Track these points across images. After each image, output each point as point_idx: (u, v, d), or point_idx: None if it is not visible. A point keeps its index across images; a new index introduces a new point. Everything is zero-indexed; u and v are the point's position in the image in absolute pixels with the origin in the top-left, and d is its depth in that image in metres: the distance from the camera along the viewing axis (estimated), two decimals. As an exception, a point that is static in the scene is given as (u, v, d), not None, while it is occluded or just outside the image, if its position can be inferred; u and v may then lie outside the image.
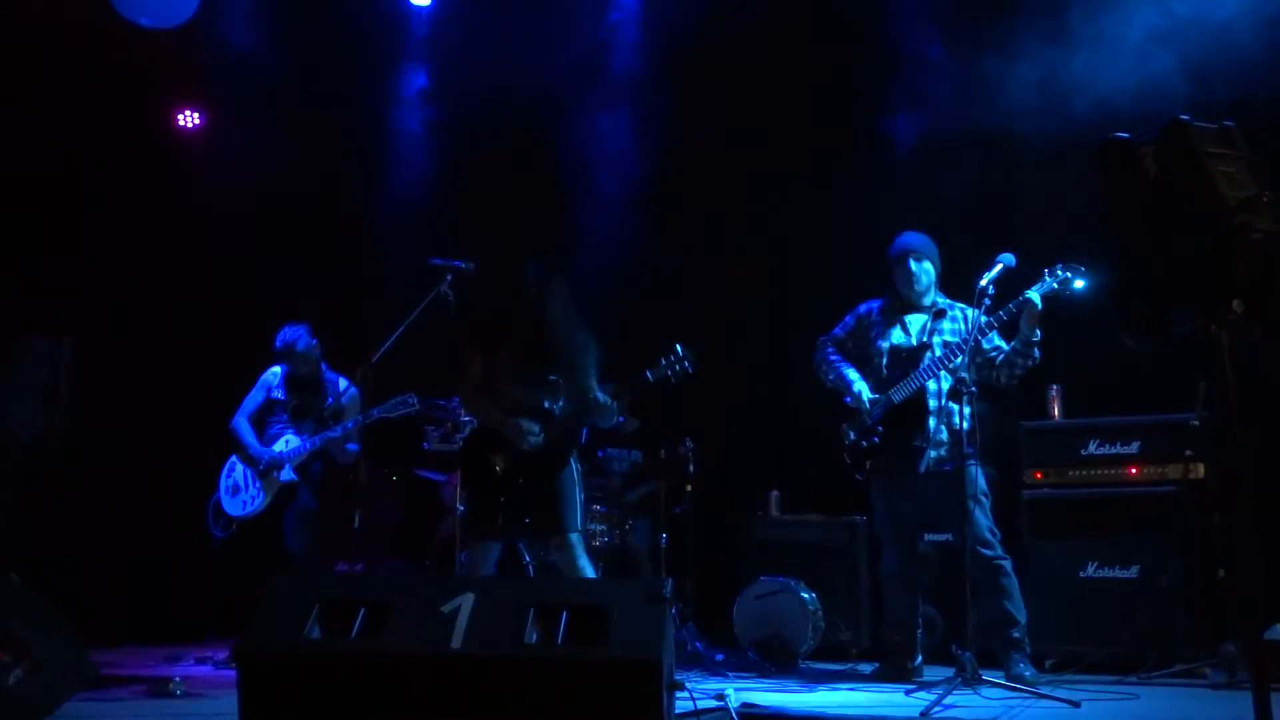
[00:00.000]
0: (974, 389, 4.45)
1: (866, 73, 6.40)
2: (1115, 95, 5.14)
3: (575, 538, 4.31)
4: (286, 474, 5.67)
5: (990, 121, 5.73)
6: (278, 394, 5.84)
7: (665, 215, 6.94)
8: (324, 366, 5.87)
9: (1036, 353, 4.59)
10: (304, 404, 5.80)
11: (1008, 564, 4.63)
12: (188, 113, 7.82)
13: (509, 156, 7.12)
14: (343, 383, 5.84)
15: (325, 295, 6.97)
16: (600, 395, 4.33)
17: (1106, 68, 5.34)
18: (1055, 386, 5.39)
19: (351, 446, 5.69)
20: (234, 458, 5.82)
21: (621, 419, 4.47)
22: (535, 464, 4.33)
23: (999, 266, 4.48)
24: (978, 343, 4.59)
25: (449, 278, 4.63)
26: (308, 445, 5.65)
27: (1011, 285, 4.54)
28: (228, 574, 5.97)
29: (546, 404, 4.37)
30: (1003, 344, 4.67)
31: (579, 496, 4.37)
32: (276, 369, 5.89)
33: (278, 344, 5.82)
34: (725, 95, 6.74)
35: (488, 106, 7.03)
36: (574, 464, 4.41)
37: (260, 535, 5.73)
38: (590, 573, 4.42)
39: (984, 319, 4.49)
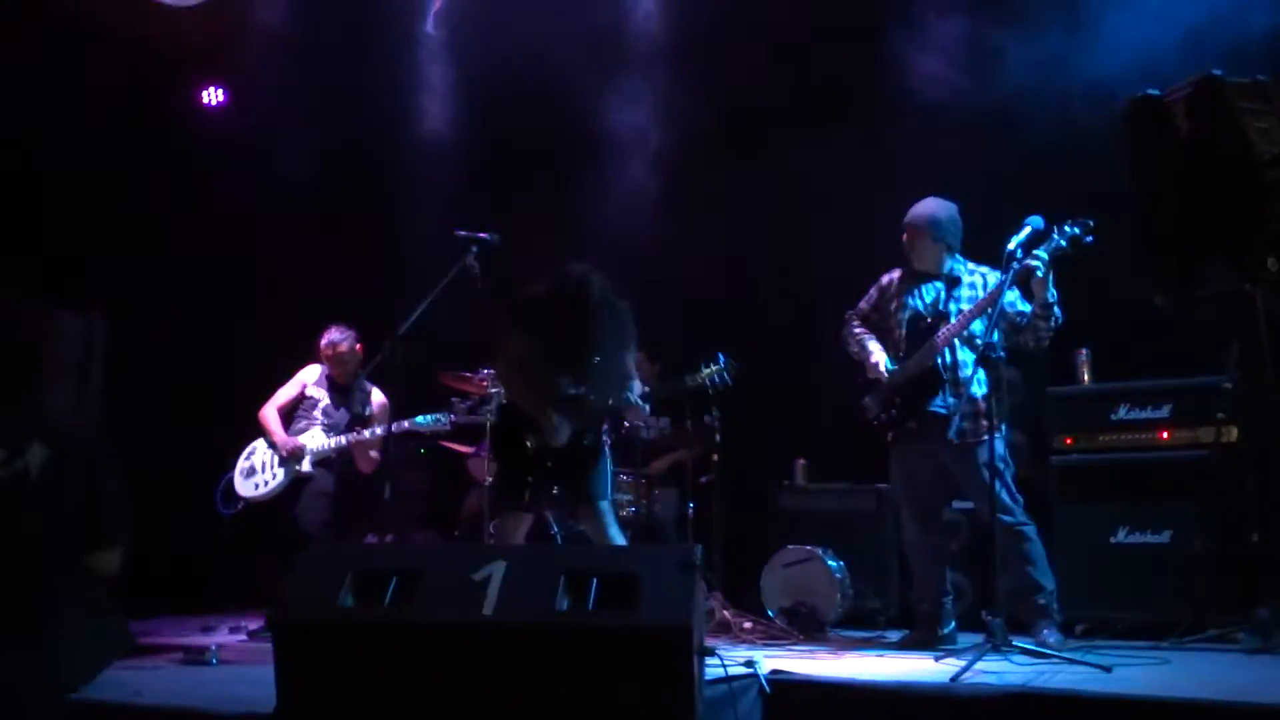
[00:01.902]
0: (1002, 354, 4.41)
1: (892, 38, 6.33)
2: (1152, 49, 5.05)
3: (604, 505, 4.32)
4: (306, 466, 5.71)
5: (1017, 83, 5.66)
6: (313, 391, 5.87)
7: (688, 185, 6.90)
8: (362, 374, 5.86)
9: (1058, 312, 4.48)
10: (336, 406, 5.84)
11: (1030, 529, 4.59)
12: (212, 90, 7.83)
13: (534, 130, 7.10)
14: (376, 393, 5.88)
15: (351, 269, 7.00)
16: (633, 396, 4.33)
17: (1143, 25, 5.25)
18: (1084, 350, 5.33)
19: (374, 453, 5.70)
20: (256, 442, 5.86)
21: (647, 409, 4.45)
22: (562, 454, 4.33)
23: (1027, 229, 4.42)
24: (1000, 306, 4.53)
25: (474, 249, 4.64)
26: (333, 443, 5.68)
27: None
28: (238, 550, 6.04)
29: (580, 391, 4.32)
30: (1026, 307, 4.60)
31: (608, 467, 4.38)
32: (316, 368, 5.92)
33: (322, 344, 5.86)
34: (746, 62, 6.69)
35: (511, 79, 7.00)
36: (603, 435, 4.42)
37: (270, 515, 5.77)
38: (621, 541, 4.44)
39: (1004, 277, 4.42)
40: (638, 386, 4.45)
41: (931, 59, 6.20)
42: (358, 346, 5.88)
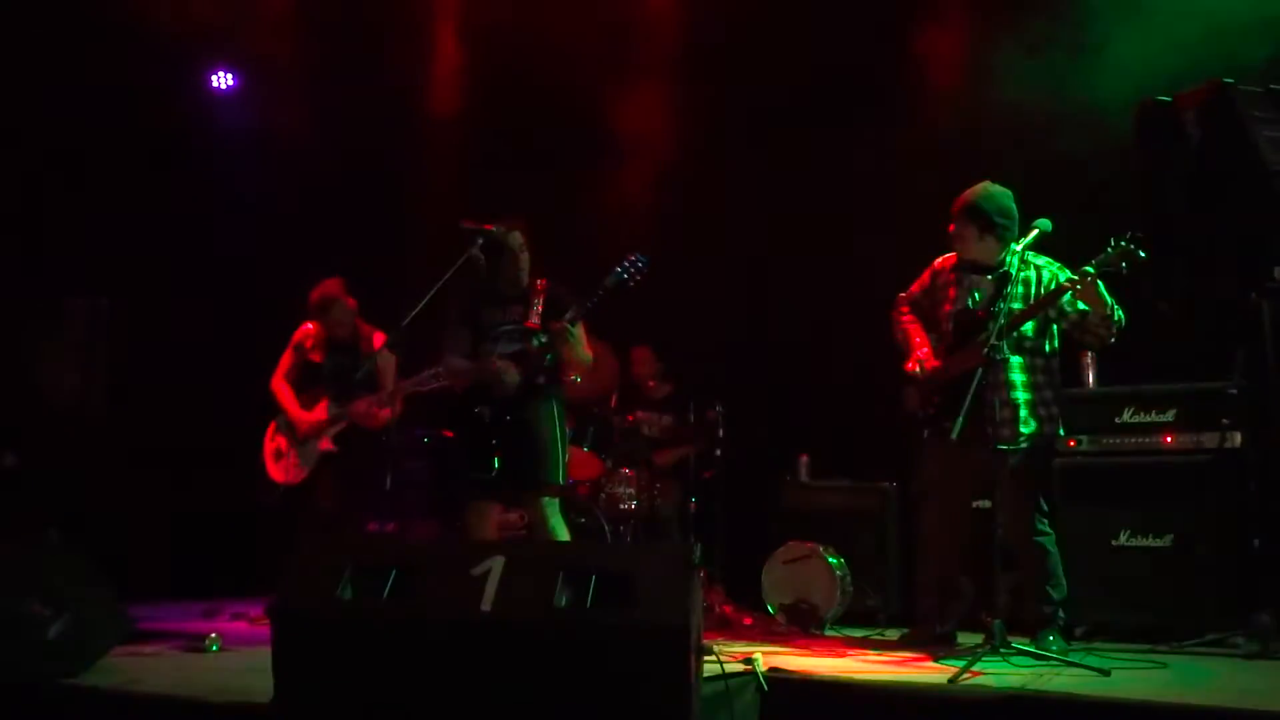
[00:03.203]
0: (1041, 350, 4.32)
1: (923, 29, 6.31)
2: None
3: (548, 500, 4.34)
4: (329, 444, 5.59)
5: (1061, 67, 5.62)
6: (314, 355, 5.73)
7: (700, 177, 6.89)
8: (359, 324, 5.74)
9: (1118, 315, 4.35)
10: (339, 367, 5.68)
11: (1050, 540, 4.54)
12: (221, 74, 7.82)
13: (546, 117, 7.09)
14: (378, 343, 5.69)
15: (359, 256, 6.99)
16: (570, 329, 4.36)
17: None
18: (1090, 353, 5.31)
19: (379, 412, 5.54)
20: (277, 419, 5.76)
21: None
22: (518, 413, 4.36)
23: (1034, 233, 4.37)
24: (1059, 305, 4.41)
25: (480, 241, 4.62)
26: (343, 414, 5.56)
27: (1056, 252, 4.44)
28: (271, 533, 6.00)
29: (522, 346, 4.44)
30: (1086, 308, 4.41)
31: (559, 453, 4.39)
32: (310, 327, 5.77)
33: (313, 304, 5.71)
34: (766, 53, 6.67)
35: (522, 67, 7.00)
36: (556, 419, 4.43)
37: (305, 498, 5.68)
38: (564, 536, 4.46)
39: (1064, 276, 4.28)
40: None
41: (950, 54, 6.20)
42: (349, 301, 5.70)
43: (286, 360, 5.80)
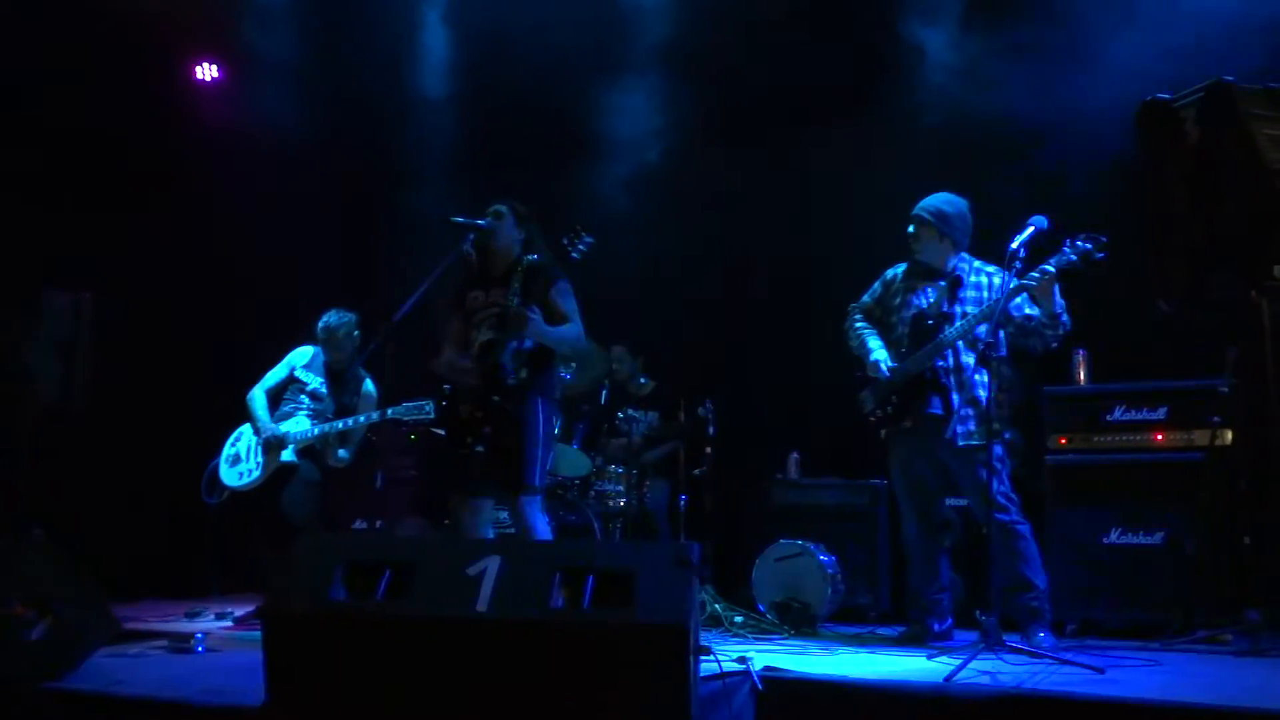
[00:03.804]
0: (1003, 352, 4.38)
1: (898, 30, 6.31)
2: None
3: (528, 498, 4.27)
4: (289, 455, 5.51)
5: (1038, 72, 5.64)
6: (303, 375, 5.68)
7: (682, 178, 6.86)
8: (358, 361, 5.69)
9: (1065, 320, 4.47)
10: (325, 392, 5.66)
11: (1025, 528, 4.56)
12: (206, 66, 7.74)
13: (532, 114, 7.04)
14: (368, 384, 5.71)
15: (345, 253, 6.94)
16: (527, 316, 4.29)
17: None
18: (1081, 351, 5.32)
19: (342, 453, 5.52)
20: (243, 428, 5.70)
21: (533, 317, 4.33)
22: (501, 411, 4.27)
23: (1030, 229, 4.38)
24: (1006, 309, 4.51)
25: (471, 237, 4.56)
26: (316, 430, 5.50)
27: (1048, 248, 4.44)
28: (226, 539, 5.94)
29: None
30: (1034, 311, 4.56)
31: (539, 450, 4.31)
32: (308, 349, 5.73)
33: (319, 326, 5.69)
34: (748, 53, 6.65)
35: (510, 63, 6.95)
36: (540, 418, 4.35)
37: (257, 504, 5.61)
38: (546, 535, 4.41)
39: (1014, 281, 4.41)
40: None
41: (929, 58, 6.20)
42: (355, 333, 5.72)
43: (272, 376, 5.73)
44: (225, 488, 5.60)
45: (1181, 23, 5.44)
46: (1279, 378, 2.74)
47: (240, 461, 5.63)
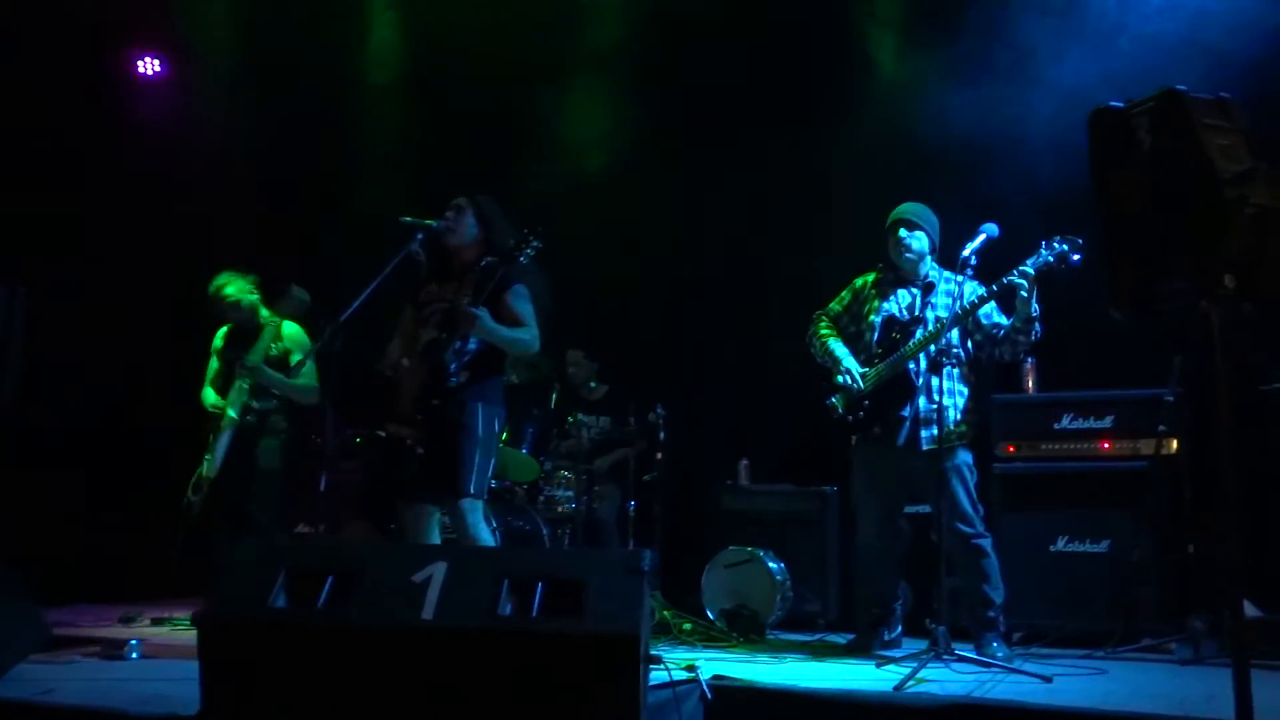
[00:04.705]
0: (963, 357, 4.37)
1: (858, 31, 6.33)
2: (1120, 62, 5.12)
3: (470, 503, 4.15)
4: (231, 412, 5.36)
5: (988, 89, 5.69)
6: (221, 347, 5.57)
7: (637, 177, 6.82)
8: (262, 312, 5.52)
9: (1038, 327, 4.47)
10: (238, 354, 5.49)
11: (987, 543, 4.55)
12: (148, 59, 7.59)
13: (482, 111, 6.98)
14: (287, 325, 5.53)
15: (290, 250, 6.81)
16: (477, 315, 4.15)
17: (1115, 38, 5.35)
18: (1030, 360, 5.36)
19: (303, 383, 5.33)
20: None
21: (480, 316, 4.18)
22: (439, 414, 4.17)
23: (981, 237, 4.42)
24: (975, 318, 4.50)
25: (420, 236, 4.46)
26: (247, 388, 5.38)
27: (1001, 256, 4.45)
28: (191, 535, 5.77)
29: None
30: (1003, 320, 4.56)
31: (478, 459, 4.17)
32: (223, 329, 5.61)
33: (208, 296, 5.51)
34: (703, 53, 6.63)
35: (460, 59, 6.88)
36: (481, 422, 4.22)
37: (221, 499, 5.51)
38: (489, 541, 4.31)
39: (981, 290, 4.41)
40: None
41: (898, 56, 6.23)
42: (243, 283, 5.49)
43: (209, 368, 5.59)
44: (202, 480, 5.42)
45: (1126, 45, 5.53)
46: (1225, 387, 2.74)
47: (210, 452, 5.46)
